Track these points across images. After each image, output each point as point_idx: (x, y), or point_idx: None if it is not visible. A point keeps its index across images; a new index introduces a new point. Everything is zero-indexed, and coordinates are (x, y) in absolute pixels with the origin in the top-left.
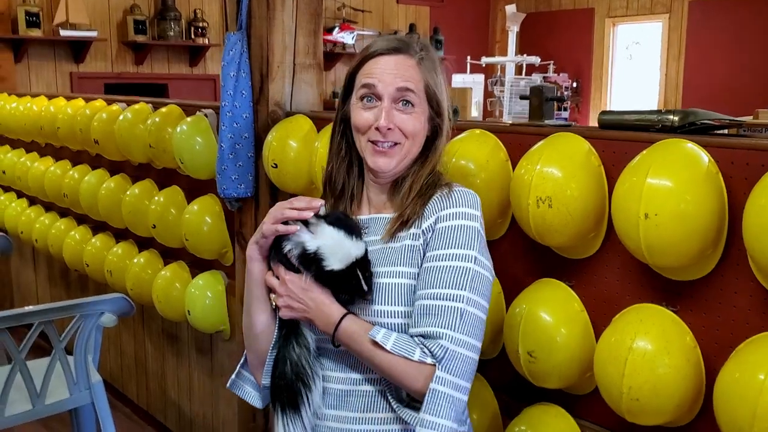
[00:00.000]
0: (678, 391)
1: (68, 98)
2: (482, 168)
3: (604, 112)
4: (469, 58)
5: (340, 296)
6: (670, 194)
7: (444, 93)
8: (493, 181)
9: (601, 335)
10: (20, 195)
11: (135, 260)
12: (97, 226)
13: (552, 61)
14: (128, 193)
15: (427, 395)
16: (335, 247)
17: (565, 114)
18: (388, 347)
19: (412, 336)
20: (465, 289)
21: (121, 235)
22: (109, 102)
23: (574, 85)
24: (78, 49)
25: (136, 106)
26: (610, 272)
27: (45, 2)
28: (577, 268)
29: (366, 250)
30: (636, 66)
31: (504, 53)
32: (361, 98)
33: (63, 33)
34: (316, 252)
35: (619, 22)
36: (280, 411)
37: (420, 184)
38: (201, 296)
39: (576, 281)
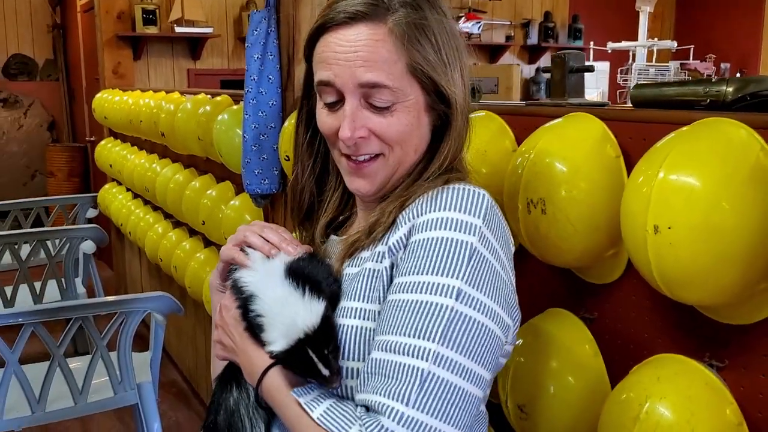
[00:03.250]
0: None
1: (167, 92)
2: (479, 159)
3: (638, 86)
4: (592, 43)
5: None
6: (693, 198)
7: (450, 66)
8: (493, 177)
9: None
10: (127, 189)
11: (196, 256)
12: (179, 222)
13: (692, 46)
14: (189, 187)
15: None
16: (276, 312)
17: None
18: (314, 416)
19: (357, 405)
20: (434, 340)
21: (194, 231)
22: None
23: (726, 75)
24: (194, 46)
25: (198, 97)
26: (638, 305)
27: (162, 0)
28: (597, 296)
29: (326, 313)
30: None
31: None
32: (321, 96)
33: (178, 30)
34: (251, 304)
35: None
36: None
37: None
38: None
39: (598, 314)
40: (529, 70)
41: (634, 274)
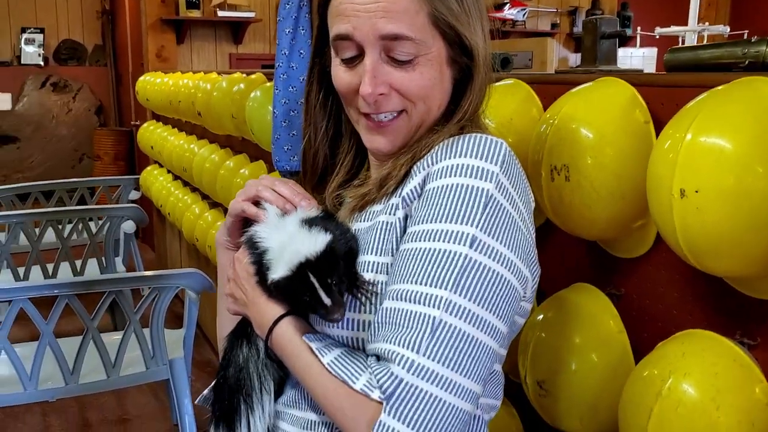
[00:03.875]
0: None
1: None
2: (505, 128)
3: (673, 50)
4: (639, 28)
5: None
6: (723, 161)
7: (471, 17)
8: (519, 146)
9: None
10: (168, 171)
11: None
12: (215, 203)
13: (746, 31)
14: (223, 166)
15: None
16: (284, 248)
17: None
18: (324, 362)
19: (368, 356)
20: (446, 287)
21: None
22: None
23: None
24: (237, 30)
25: (234, 75)
26: (667, 280)
27: None
28: (624, 271)
29: (331, 245)
30: None
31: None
32: (337, 52)
33: (221, 14)
34: (262, 255)
35: None
36: (213, 427)
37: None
38: None
39: (625, 289)
40: (575, 59)
41: (663, 247)
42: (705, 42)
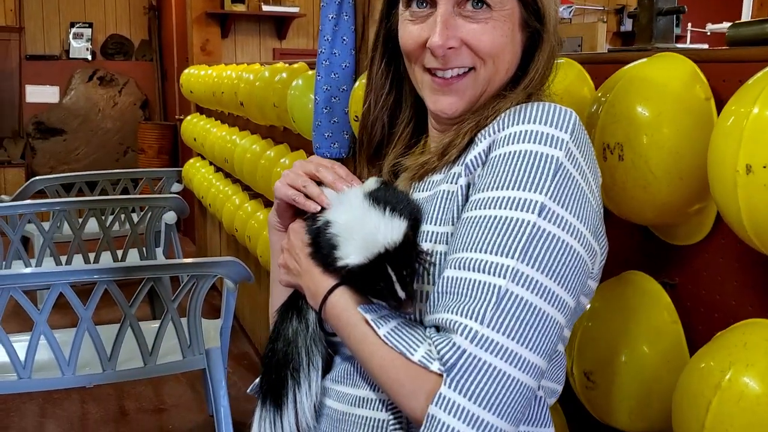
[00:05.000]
0: None
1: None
2: None
3: (735, 25)
4: (690, 25)
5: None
6: None
7: None
8: None
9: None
10: (210, 163)
11: None
12: (256, 193)
13: None
14: (264, 156)
15: (423, 425)
16: (353, 226)
17: None
18: (380, 333)
19: (426, 327)
20: (513, 256)
21: (269, 202)
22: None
23: None
24: (281, 25)
25: (276, 65)
26: (725, 269)
27: None
28: (680, 259)
29: (408, 233)
30: None
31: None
32: (407, 5)
33: (265, 8)
34: (325, 230)
35: None
36: (260, 402)
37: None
38: None
39: (680, 279)
40: None
41: (721, 233)
42: None
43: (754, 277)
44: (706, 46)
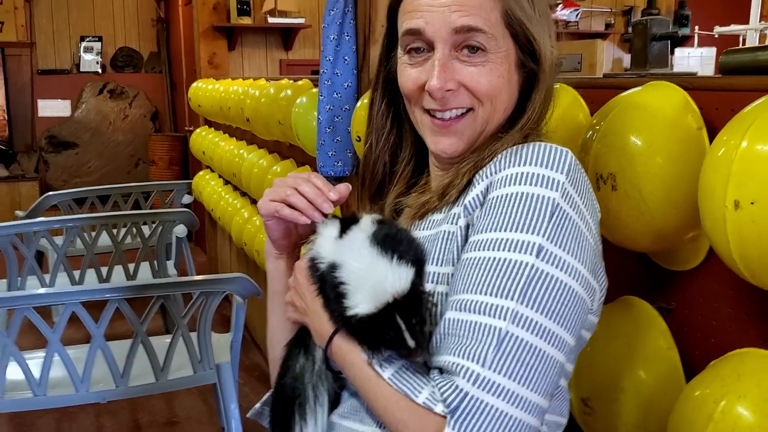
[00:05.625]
0: None
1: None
2: (550, 133)
3: (729, 51)
4: (696, 28)
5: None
6: None
7: (541, 21)
8: None
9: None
10: (219, 176)
11: None
12: None
13: None
14: (271, 172)
15: None
16: (361, 275)
17: None
18: (385, 376)
19: (431, 369)
20: (513, 298)
21: None
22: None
23: None
24: (287, 37)
25: (281, 82)
26: (721, 295)
27: None
28: (676, 284)
29: (415, 281)
30: None
31: None
32: (407, 50)
33: (271, 20)
34: (332, 273)
35: None
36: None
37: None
38: None
39: (676, 304)
40: (629, 60)
41: (717, 260)
42: None
43: (749, 304)
44: (714, 49)
